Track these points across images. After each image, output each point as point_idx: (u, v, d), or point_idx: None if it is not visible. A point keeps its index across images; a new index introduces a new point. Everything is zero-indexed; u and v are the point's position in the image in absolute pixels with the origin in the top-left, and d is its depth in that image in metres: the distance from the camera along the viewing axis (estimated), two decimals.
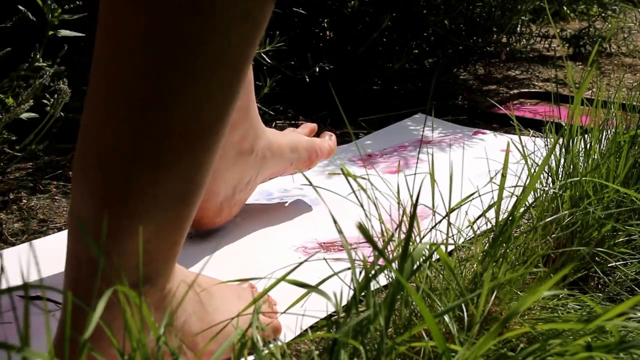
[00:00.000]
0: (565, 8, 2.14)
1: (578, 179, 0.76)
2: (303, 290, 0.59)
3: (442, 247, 0.63)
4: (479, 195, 0.68)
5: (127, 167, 0.51)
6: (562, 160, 0.81)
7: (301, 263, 0.51)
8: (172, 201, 0.53)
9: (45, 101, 0.99)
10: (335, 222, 0.54)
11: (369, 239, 0.43)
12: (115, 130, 0.50)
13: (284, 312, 0.61)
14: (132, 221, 0.51)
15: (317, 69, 1.39)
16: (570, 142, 0.81)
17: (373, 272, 0.47)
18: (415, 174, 0.67)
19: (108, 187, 0.51)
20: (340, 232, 0.54)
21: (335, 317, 0.48)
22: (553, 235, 0.74)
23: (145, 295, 0.55)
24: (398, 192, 0.66)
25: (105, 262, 0.51)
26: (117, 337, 0.47)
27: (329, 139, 0.99)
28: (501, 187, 0.65)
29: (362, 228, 0.42)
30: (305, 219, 0.95)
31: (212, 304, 0.61)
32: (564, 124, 0.82)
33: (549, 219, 0.72)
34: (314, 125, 1.03)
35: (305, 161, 0.95)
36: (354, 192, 0.65)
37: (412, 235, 0.61)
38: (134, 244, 0.52)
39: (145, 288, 0.54)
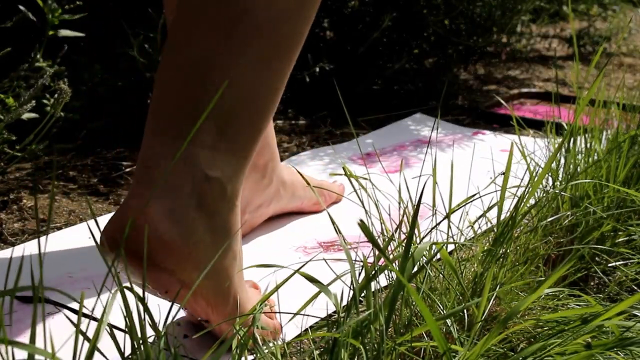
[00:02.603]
0: (565, 8, 2.14)
1: (581, 181, 0.76)
2: (303, 291, 0.59)
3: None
4: (480, 197, 0.68)
5: (209, 40, 0.57)
6: (562, 160, 0.81)
7: (302, 266, 0.52)
8: (249, 93, 0.58)
9: (45, 101, 0.99)
10: (333, 222, 0.54)
11: (371, 238, 0.43)
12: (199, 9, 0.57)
13: (284, 312, 0.61)
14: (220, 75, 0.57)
15: (317, 69, 1.38)
16: (571, 142, 0.81)
17: (373, 272, 0.47)
18: (416, 176, 0.67)
19: (194, 55, 0.57)
20: (339, 232, 0.53)
21: (335, 317, 0.48)
22: (553, 235, 0.74)
23: (212, 183, 0.57)
24: (399, 192, 0.66)
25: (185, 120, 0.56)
26: None
27: (338, 185, 1.02)
28: (504, 188, 0.65)
29: (364, 226, 0.42)
30: (305, 219, 0.95)
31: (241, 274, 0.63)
32: (564, 124, 0.82)
33: (549, 219, 0.72)
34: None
35: (315, 202, 0.96)
36: (355, 191, 0.65)
37: (414, 235, 0.61)
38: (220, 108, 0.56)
39: (218, 155, 0.57)
